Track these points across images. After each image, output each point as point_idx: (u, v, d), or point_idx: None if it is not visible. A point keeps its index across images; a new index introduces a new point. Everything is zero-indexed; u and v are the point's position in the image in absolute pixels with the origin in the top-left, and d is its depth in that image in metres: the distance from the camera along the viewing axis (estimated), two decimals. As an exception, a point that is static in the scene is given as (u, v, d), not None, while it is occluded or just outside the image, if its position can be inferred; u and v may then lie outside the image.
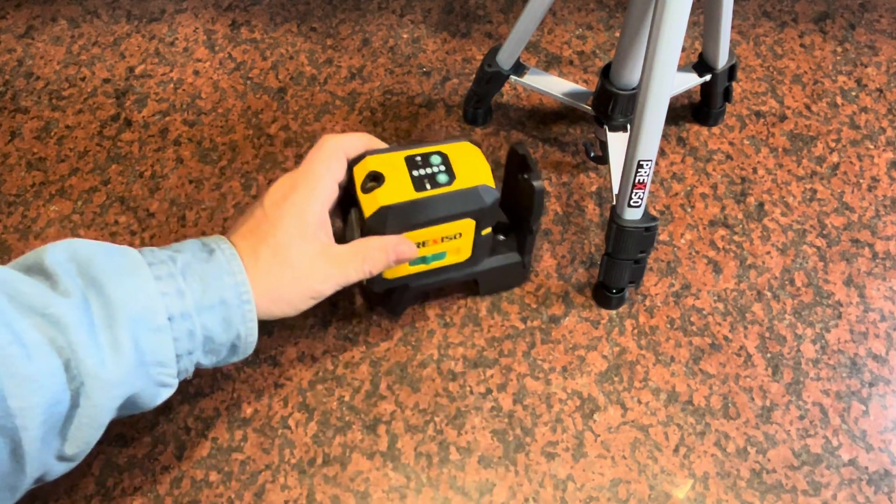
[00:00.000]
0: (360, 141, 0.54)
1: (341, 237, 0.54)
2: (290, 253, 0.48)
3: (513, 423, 0.57)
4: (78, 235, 0.66)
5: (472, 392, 0.58)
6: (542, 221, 0.66)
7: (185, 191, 0.69)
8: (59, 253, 0.42)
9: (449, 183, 0.52)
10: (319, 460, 0.55)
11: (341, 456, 0.55)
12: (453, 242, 0.55)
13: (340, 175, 0.52)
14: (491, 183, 0.53)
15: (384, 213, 0.51)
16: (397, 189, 0.52)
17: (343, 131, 0.72)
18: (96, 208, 0.68)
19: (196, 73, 0.77)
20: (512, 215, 0.60)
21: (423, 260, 0.55)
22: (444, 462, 0.55)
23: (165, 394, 0.45)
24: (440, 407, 0.57)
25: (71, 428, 0.41)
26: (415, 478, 0.54)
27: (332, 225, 0.52)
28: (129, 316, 0.41)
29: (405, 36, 0.80)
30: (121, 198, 0.68)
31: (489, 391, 0.58)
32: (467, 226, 0.54)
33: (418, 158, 0.53)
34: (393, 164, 0.53)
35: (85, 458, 0.54)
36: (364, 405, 0.57)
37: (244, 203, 0.68)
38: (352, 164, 0.53)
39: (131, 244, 0.65)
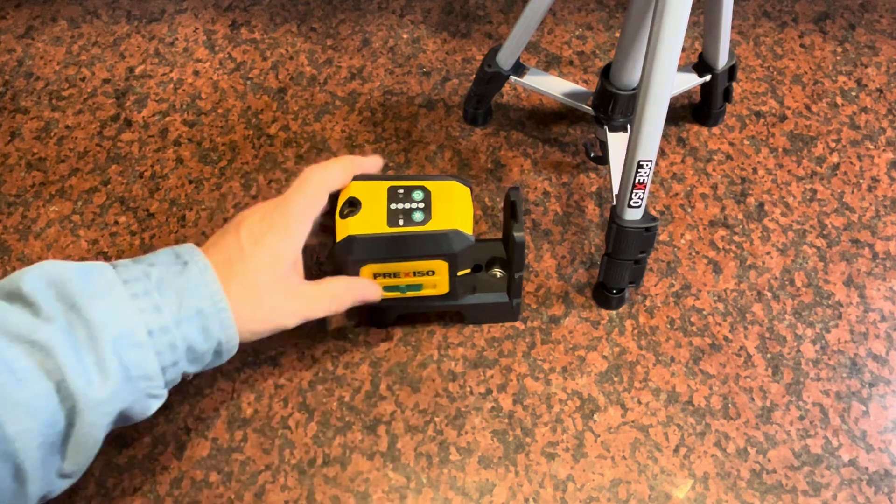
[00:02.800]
0: (345, 171, 0.55)
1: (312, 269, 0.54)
2: (262, 293, 0.50)
3: (513, 423, 0.57)
4: (78, 236, 0.66)
5: (472, 392, 0.58)
6: (542, 222, 0.66)
7: (185, 191, 0.69)
8: (35, 280, 0.44)
9: (423, 222, 0.52)
10: (319, 461, 0.55)
11: (341, 456, 0.55)
12: (427, 278, 0.55)
13: (318, 211, 0.53)
14: (468, 229, 0.53)
15: (350, 242, 0.52)
16: (370, 220, 0.52)
17: (343, 131, 0.72)
18: (96, 208, 0.68)
19: (196, 73, 0.77)
20: (507, 254, 0.60)
21: (398, 288, 0.55)
22: (445, 462, 0.55)
23: (156, 404, 0.47)
24: (440, 407, 0.57)
25: (69, 446, 0.43)
26: (415, 478, 0.54)
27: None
28: (111, 336, 0.43)
29: (405, 36, 0.80)
30: (121, 198, 0.68)
31: (489, 391, 0.58)
32: (440, 265, 0.54)
33: (401, 191, 0.53)
34: (374, 193, 0.53)
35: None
36: (364, 405, 0.57)
37: (244, 203, 0.68)
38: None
39: (131, 244, 0.65)
